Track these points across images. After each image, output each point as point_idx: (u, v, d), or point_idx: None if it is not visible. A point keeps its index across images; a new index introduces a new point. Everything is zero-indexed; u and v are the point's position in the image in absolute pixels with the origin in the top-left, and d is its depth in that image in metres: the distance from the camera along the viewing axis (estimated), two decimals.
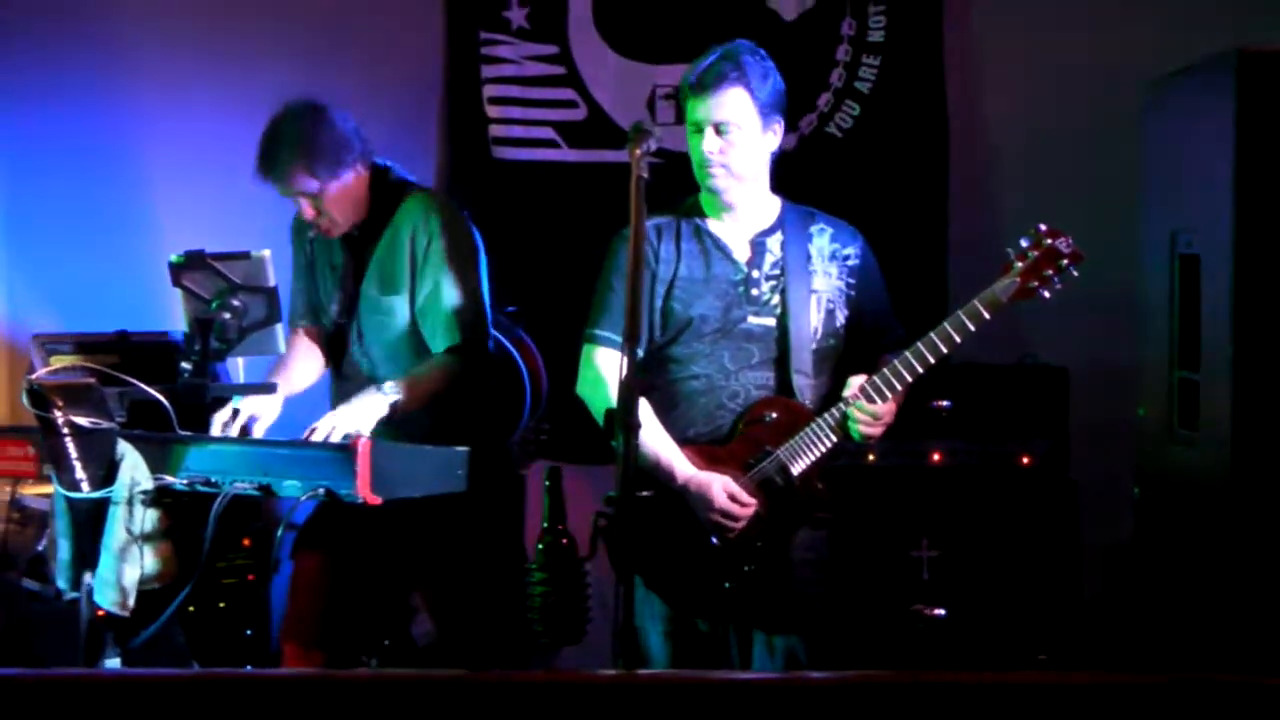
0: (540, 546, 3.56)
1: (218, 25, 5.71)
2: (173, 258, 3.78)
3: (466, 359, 4.09)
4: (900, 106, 5.60)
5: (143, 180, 5.73)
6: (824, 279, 3.88)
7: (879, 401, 3.72)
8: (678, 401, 3.84)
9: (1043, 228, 3.72)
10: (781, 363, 3.83)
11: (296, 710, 2.34)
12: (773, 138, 3.85)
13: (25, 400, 3.50)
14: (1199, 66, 4.25)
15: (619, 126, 5.62)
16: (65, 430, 3.48)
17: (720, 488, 3.72)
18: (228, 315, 3.72)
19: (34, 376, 3.58)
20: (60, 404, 3.47)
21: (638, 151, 3.42)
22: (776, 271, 3.86)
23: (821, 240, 3.92)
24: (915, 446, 4.89)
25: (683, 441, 3.79)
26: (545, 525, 3.60)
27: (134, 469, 3.55)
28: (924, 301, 5.35)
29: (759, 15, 5.58)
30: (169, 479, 3.62)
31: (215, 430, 3.89)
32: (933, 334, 3.70)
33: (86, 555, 3.54)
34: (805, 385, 3.83)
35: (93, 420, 3.49)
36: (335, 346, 4.23)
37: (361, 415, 3.84)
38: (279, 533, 3.75)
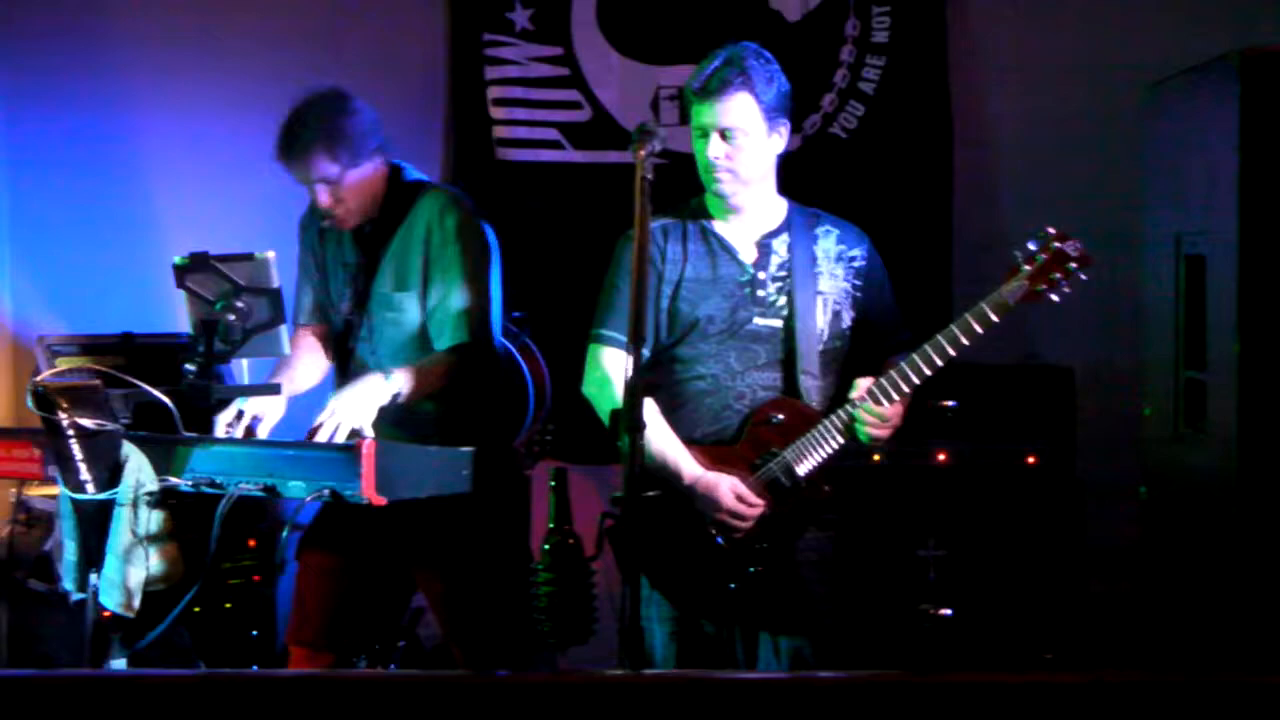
0: (546, 547, 3.55)
1: (221, 27, 5.72)
2: (177, 259, 3.78)
3: (470, 359, 4.08)
4: (904, 107, 5.60)
5: (147, 182, 5.73)
6: (830, 280, 3.88)
7: (886, 404, 3.72)
8: (684, 402, 3.84)
9: (1051, 230, 3.69)
10: (788, 364, 3.83)
11: (302, 711, 2.34)
12: (778, 140, 3.85)
13: (31, 402, 3.50)
14: (1203, 67, 4.26)
15: (623, 127, 5.62)
16: (71, 432, 3.48)
17: (728, 488, 3.72)
18: (232, 317, 3.71)
19: (39, 378, 3.58)
20: (65, 406, 3.47)
21: (642, 152, 3.42)
22: (783, 273, 3.86)
23: (827, 242, 3.91)
24: (921, 446, 4.89)
25: (689, 442, 3.79)
26: (551, 526, 3.59)
27: (139, 470, 3.55)
28: (928, 301, 5.36)
29: (763, 16, 5.59)
30: (174, 480, 3.62)
31: (219, 431, 3.88)
32: (940, 336, 3.69)
33: (92, 556, 3.54)
34: (812, 387, 3.83)
35: (98, 422, 3.49)
36: (342, 344, 4.23)
37: (363, 401, 3.83)
38: (284, 534, 3.75)
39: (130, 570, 3.52)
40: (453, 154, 5.72)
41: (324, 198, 4.04)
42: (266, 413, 3.99)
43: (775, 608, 3.77)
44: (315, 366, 4.27)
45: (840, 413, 3.75)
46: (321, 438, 3.73)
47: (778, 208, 3.94)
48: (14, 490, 4.70)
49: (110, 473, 3.52)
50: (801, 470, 3.75)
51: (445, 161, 5.72)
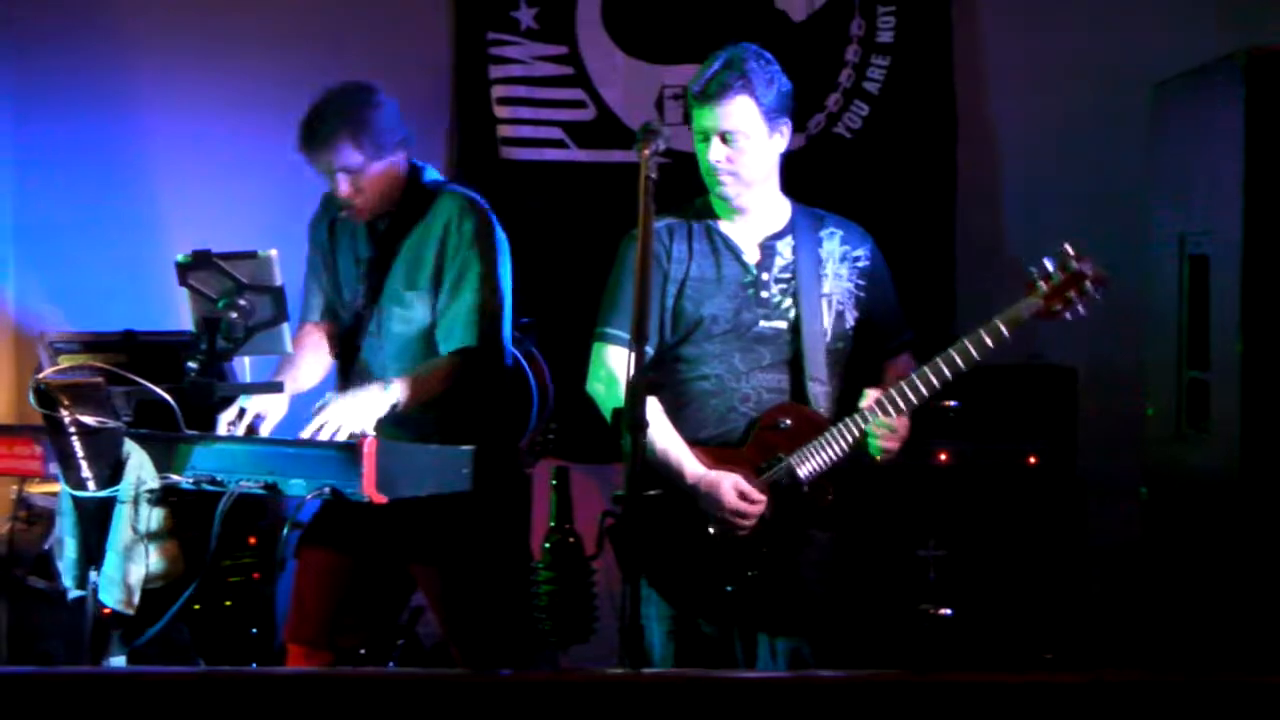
0: (547, 545, 3.55)
1: (224, 27, 5.72)
2: (180, 257, 3.78)
3: (477, 363, 4.08)
4: (909, 107, 5.59)
5: (150, 180, 5.74)
6: (834, 281, 3.88)
7: (894, 414, 3.72)
8: (688, 402, 3.84)
9: (1069, 249, 3.67)
10: (795, 367, 3.83)
11: (301, 709, 2.34)
12: (780, 140, 3.85)
13: (32, 399, 3.50)
14: (1208, 67, 4.25)
15: (627, 126, 5.62)
16: (72, 429, 3.48)
17: (730, 485, 3.71)
18: (234, 315, 3.71)
19: (42, 375, 3.58)
20: (67, 403, 3.47)
21: (646, 151, 3.42)
22: (787, 275, 3.85)
23: (832, 244, 3.91)
24: (922, 446, 4.88)
25: (694, 442, 3.79)
26: (552, 524, 3.59)
27: (140, 468, 3.55)
28: (931, 300, 5.36)
29: (768, 16, 5.58)
30: (175, 478, 3.62)
31: (222, 429, 3.88)
32: (952, 350, 3.69)
33: (92, 554, 3.54)
34: (821, 393, 3.83)
35: (99, 419, 3.49)
36: (348, 343, 4.23)
37: (362, 410, 3.83)
38: (285, 531, 3.75)
39: (130, 567, 3.52)
40: (457, 153, 5.72)
41: (344, 187, 4.05)
42: (269, 411, 3.99)
43: (773, 611, 3.77)
44: (318, 365, 4.27)
45: (849, 422, 3.74)
46: (323, 436, 3.73)
47: (782, 208, 3.94)
48: (15, 487, 4.70)
49: (111, 470, 3.52)
50: (805, 477, 3.75)
51: (449, 160, 5.71)
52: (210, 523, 3.53)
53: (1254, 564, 4.00)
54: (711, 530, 3.73)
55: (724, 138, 3.79)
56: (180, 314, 4.00)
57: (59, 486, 3.64)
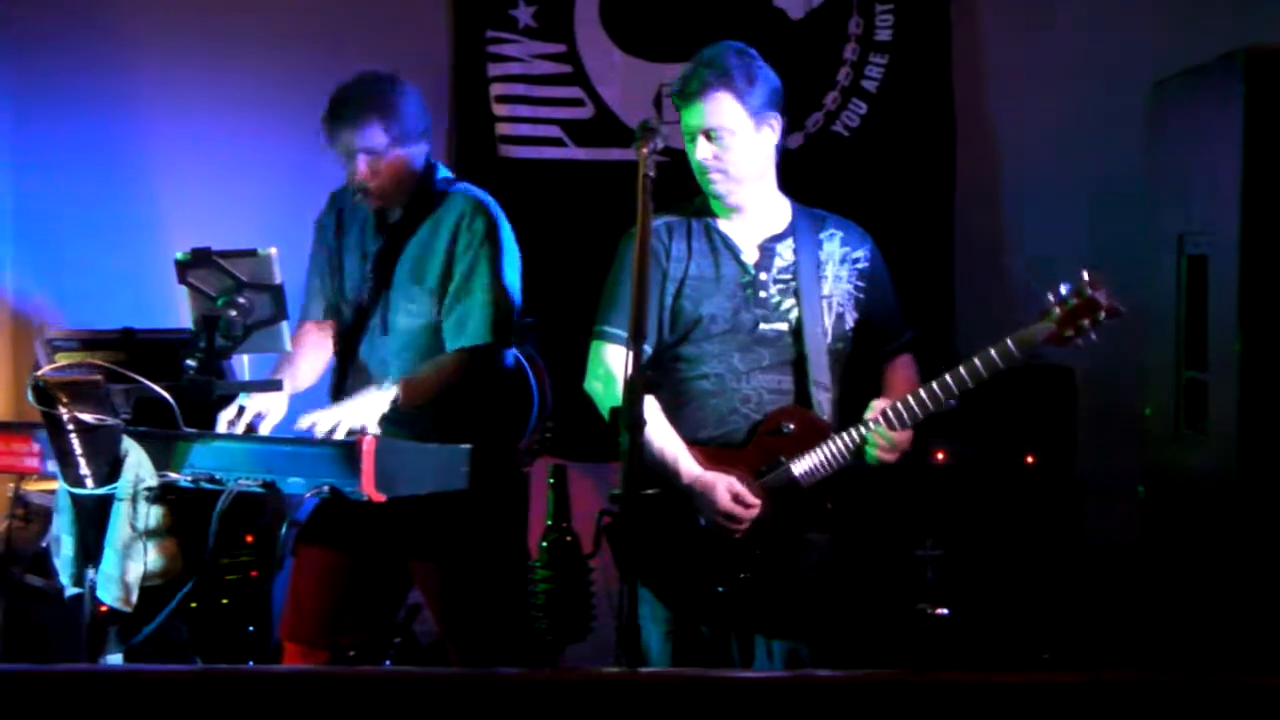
0: (544, 544, 3.55)
1: (222, 25, 5.71)
2: (179, 255, 3.78)
3: (485, 360, 4.09)
4: (907, 106, 5.59)
5: (149, 178, 5.73)
6: (834, 283, 3.88)
7: (899, 428, 3.72)
8: (688, 401, 3.84)
9: (1086, 277, 3.67)
10: (799, 370, 3.83)
11: (298, 708, 2.34)
12: (769, 134, 3.84)
13: (31, 397, 3.50)
14: (1207, 66, 4.25)
15: (626, 125, 5.62)
16: (70, 427, 3.48)
17: (725, 488, 3.71)
18: (233, 313, 3.71)
19: (40, 373, 3.57)
20: (66, 400, 3.47)
21: (644, 150, 3.42)
22: (786, 276, 3.85)
23: (832, 245, 3.91)
24: (920, 445, 4.86)
25: (694, 443, 3.79)
26: (549, 523, 3.59)
27: (138, 465, 3.55)
28: (929, 300, 5.35)
29: (766, 14, 5.58)
30: (173, 476, 3.63)
31: (221, 428, 3.89)
32: (961, 368, 3.69)
33: (90, 551, 3.54)
34: (824, 398, 3.83)
35: (98, 417, 3.49)
36: (348, 340, 4.23)
37: (365, 412, 3.84)
38: (283, 530, 3.74)
39: (129, 565, 3.52)
40: (455, 151, 5.71)
41: (363, 169, 4.06)
42: (268, 410, 3.99)
43: (768, 611, 3.76)
44: (318, 363, 4.27)
45: (852, 431, 3.75)
46: (319, 433, 3.73)
47: (781, 208, 3.94)
48: (12, 485, 4.70)
49: (110, 468, 3.52)
50: (805, 483, 3.75)
51: (448, 159, 5.69)
52: (208, 521, 3.54)
53: (1252, 564, 4.00)
54: (702, 522, 3.73)
55: (709, 135, 3.79)
56: (179, 312, 4.00)
57: (57, 484, 3.63)
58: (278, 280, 3.76)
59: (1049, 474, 4.94)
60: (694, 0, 5.60)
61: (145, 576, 3.53)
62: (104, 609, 3.55)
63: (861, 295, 3.91)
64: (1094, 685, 2.33)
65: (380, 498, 3.48)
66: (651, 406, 3.63)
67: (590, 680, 2.42)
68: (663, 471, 3.73)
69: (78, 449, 3.50)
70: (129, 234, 5.67)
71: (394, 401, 3.91)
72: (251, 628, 5.00)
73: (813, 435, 3.77)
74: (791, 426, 3.79)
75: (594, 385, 3.90)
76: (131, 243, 5.64)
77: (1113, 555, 4.99)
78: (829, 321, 3.85)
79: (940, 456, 4.93)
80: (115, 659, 3.58)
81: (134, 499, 3.52)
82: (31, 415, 3.64)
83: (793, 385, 3.84)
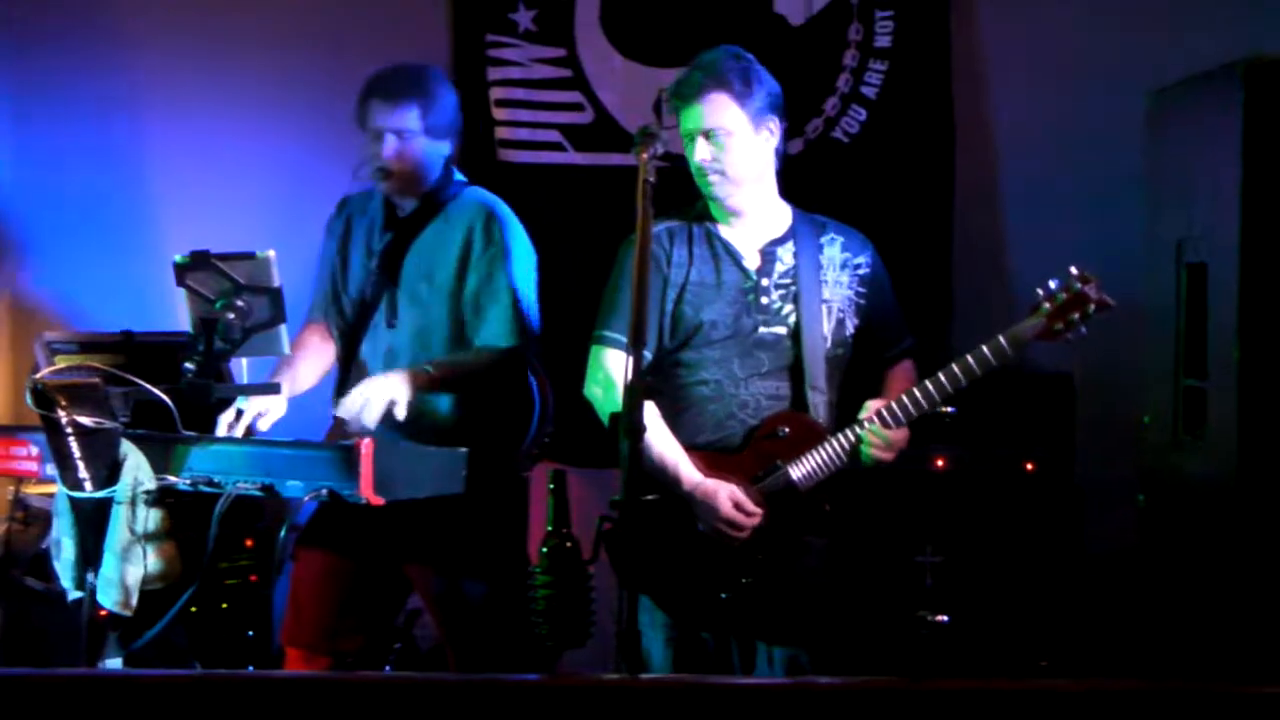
0: (544, 550, 3.54)
1: (222, 25, 5.71)
2: (177, 258, 3.78)
3: (514, 363, 4.11)
4: (907, 112, 5.59)
5: (148, 181, 5.73)
6: (835, 288, 3.88)
7: (894, 427, 3.73)
8: (687, 407, 3.84)
9: (1074, 271, 3.71)
10: (796, 374, 3.83)
11: (298, 713, 2.34)
12: (768, 137, 3.85)
13: (30, 400, 3.49)
14: (1207, 74, 4.25)
15: (625, 130, 5.61)
16: (69, 430, 3.47)
17: (726, 495, 3.71)
18: (232, 316, 3.71)
19: (39, 376, 3.57)
20: (65, 404, 3.47)
21: (644, 155, 3.42)
22: (787, 281, 3.86)
23: (832, 250, 3.92)
24: (919, 452, 4.87)
25: (691, 448, 3.79)
26: (549, 528, 3.59)
27: (137, 469, 3.55)
28: (929, 306, 5.35)
29: (766, 20, 5.57)
30: (172, 479, 3.62)
31: (220, 431, 3.88)
32: (954, 366, 3.70)
33: (89, 555, 3.54)
34: (821, 402, 3.83)
35: (97, 420, 3.49)
36: (349, 340, 4.23)
37: (394, 388, 3.86)
38: (282, 533, 3.74)
39: (128, 569, 3.52)
40: (455, 155, 5.70)
41: (389, 149, 4.08)
42: (267, 412, 3.99)
43: (769, 619, 3.76)
44: (318, 365, 4.28)
45: (847, 432, 3.75)
46: (344, 414, 3.74)
47: (781, 213, 3.94)
48: (11, 488, 4.70)
49: (108, 471, 3.52)
50: (803, 487, 3.75)
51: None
52: (207, 524, 3.53)
53: (1251, 571, 4.00)
54: (701, 528, 3.73)
55: (707, 136, 3.80)
56: (178, 315, 4.00)
57: (56, 487, 3.63)
58: (276, 283, 3.76)
59: (1048, 481, 4.94)
60: (694, 5, 5.60)
61: (144, 580, 3.53)
62: (104, 613, 3.55)
63: (862, 301, 3.91)
64: (1093, 693, 2.33)
65: (378, 501, 3.48)
66: (651, 412, 3.63)
67: (590, 686, 2.42)
68: (663, 478, 3.73)
69: (76, 452, 3.50)
70: (128, 236, 5.66)
71: (429, 375, 3.92)
72: (251, 632, 4.99)
73: (808, 438, 3.77)
74: (787, 430, 3.79)
75: (594, 390, 3.90)
76: (131, 245, 5.63)
77: (1111, 562, 4.99)
78: (829, 326, 3.86)
79: (940, 463, 4.93)
80: (114, 663, 3.58)
81: (133, 502, 3.52)
82: (30, 418, 3.64)
83: (789, 391, 3.84)
